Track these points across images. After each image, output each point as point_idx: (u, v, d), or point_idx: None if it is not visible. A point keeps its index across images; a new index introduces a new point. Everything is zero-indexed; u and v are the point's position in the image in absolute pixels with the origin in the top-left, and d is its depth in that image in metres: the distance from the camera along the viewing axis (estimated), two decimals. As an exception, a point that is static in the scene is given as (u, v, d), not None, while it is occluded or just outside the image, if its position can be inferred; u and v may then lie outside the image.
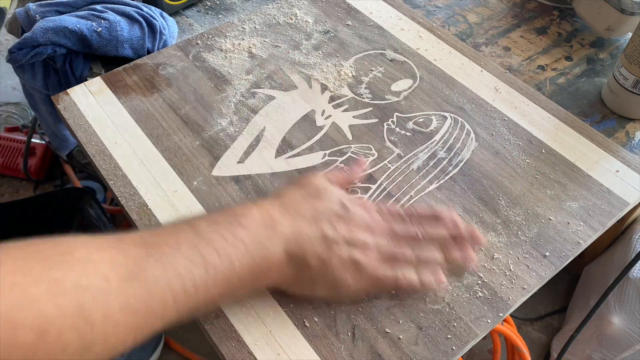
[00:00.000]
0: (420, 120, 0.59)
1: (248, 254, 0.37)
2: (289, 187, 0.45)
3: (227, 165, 0.55)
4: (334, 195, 0.44)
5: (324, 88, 0.63)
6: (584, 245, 0.50)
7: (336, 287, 0.42)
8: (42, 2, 0.68)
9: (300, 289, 0.43)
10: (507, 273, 0.47)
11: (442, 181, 0.54)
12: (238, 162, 0.55)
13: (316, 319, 0.44)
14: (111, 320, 0.31)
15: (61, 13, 0.67)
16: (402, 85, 0.63)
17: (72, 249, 0.32)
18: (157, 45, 0.68)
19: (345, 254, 0.41)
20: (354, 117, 0.60)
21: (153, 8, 0.69)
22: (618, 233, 0.78)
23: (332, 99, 0.62)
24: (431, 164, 0.55)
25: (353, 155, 0.56)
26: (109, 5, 0.67)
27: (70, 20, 0.64)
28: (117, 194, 0.52)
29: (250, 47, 0.67)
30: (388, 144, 0.57)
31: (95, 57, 0.68)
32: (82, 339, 0.30)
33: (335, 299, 0.44)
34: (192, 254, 0.35)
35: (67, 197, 0.91)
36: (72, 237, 0.33)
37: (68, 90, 0.61)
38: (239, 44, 0.68)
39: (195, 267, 0.35)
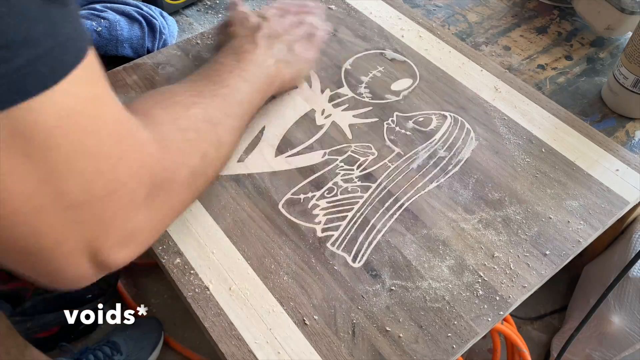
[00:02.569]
0: (420, 119, 0.59)
1: (261, 72, 0.54)
2: (231, 40, 0.58)
3: (227, 165, 0.55)
4: (254, 21, 0.59)
5: (324, 87, 0.63)
6: (584, 244, 0.50)
7: (310, 63, 0.62)
8: (42, 1, 0.68)
9: (296, 81, 0.62)
10: (508, 272, 0.47)
11: (442, 180, 0.54)
12: (238, 161, 0.55)
13: (316, 317, 0.44)
14: (224, 124, 0.47)
15: (61, 12, 0.67)
16: (402, 84, 0.63)
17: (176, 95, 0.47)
18: (157, 45, 0.68)
19: (301, 39, 0.60)
20: (353, 116, 0.60)
21: (153, 7, 0.69)
22: (618, 232, 0.78)
23: (332, 98, 0.62)
24: (431, 163, 0.55)
25: (353, 155, 0.56)
26: (108, 5, 0.67)
27: (70, 20, 0.63)
28: (117, 192, 0.52)
29: (250, 47, 0.67)
30: (388, 143, 0.57)
31: (95, 57, 0.68)
32: (217, 139, 0.46)
33: (308, 71, 0.64)
34: (236, 78, 0.51)
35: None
36: (167, 89, 0.48)
37: (68, 90, 0.61)
38: (239, 43, 0.68)
39: (245, 83, 0.51)
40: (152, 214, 0.37)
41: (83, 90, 0.30)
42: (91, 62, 0.30)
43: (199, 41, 0.68)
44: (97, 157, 0.31)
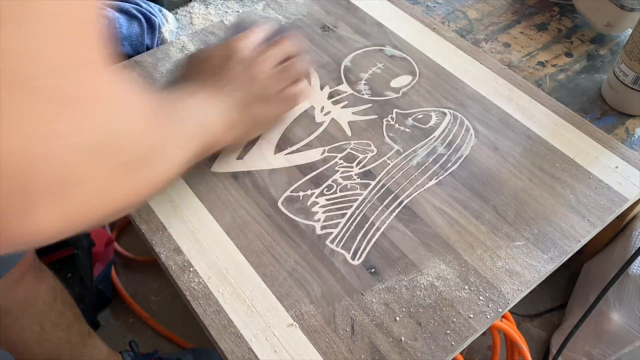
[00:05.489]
0: (419, 116, 0.59)
1: (222, 115, 0.48)
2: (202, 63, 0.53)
3: (226, 161, 0.55)
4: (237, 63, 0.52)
5: (324, 84, 0.63)
6: (583, 242, 0.50)
7: (274, 118, 0.56)
8: (41, -2, 0.68)
9: (254, 132, 0.55)
10: (506, 269, 0.47)
11: (441, 177, 0.54)
12: (237, 159, 0.55)
13: (315, 315, 0.44)
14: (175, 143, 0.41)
15: (60, 9, 0.67)
16: (402, 81, 0.63)
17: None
18: (156, 42, 0.68)
19: (272, 96, 0.53)
20: (353, 113, 0.60)
21: (152, 4, 0.69)
22: (617, 229, 0.78)
23: (331, 95, 0.62)
24: (430, 160, 0.55)
25: (352, 152, 0.56)
26: (107, 2, 0.67)
27: (69, 17, 0.63)
28: (116, 190, 0.52)
29: (250, 44, 0.67)
30: (387, 140, 0.57)
31: (94, 54, 0.68)
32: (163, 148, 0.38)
33: (270, 126, 0.57)
34: (196, 111, 0.46)
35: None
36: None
37: (67, 87, 0.61)
38: (238, 40, 0.67)
39: (201, 116, 0.46)
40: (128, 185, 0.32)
41: None
42: None
43: (198, 38, 0.68)
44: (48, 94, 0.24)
